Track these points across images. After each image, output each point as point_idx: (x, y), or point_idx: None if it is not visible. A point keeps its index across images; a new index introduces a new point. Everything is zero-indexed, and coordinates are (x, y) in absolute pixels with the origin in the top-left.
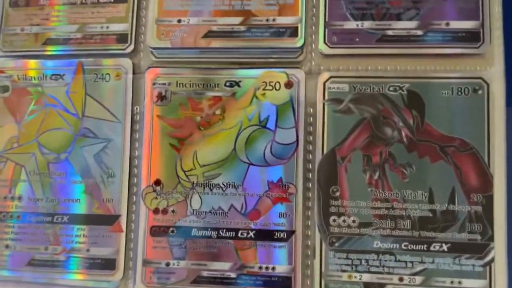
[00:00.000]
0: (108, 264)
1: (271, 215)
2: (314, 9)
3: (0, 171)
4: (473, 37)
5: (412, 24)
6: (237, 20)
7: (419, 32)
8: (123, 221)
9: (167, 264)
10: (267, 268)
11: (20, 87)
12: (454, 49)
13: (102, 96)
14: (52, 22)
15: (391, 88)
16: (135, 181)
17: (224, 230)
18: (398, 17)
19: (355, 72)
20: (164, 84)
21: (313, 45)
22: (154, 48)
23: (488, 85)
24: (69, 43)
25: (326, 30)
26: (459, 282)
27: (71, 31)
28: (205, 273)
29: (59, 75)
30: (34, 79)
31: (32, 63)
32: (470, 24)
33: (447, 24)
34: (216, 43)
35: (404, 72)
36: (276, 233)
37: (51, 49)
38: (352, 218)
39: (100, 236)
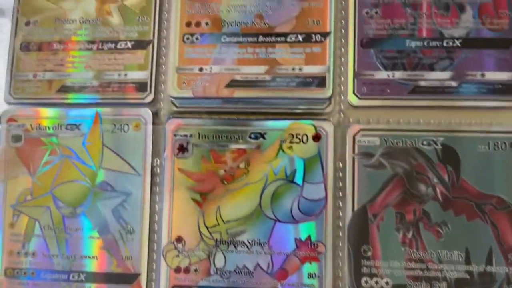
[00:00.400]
0: None
1: (300, 275)
2: (342, 58)
3: (12, 225)
4: (509, 89)
5: (446, 74)
6: (262, 69)
7: (453, 84)
8: (143, 280)
9: None
10: None
11: (33, 137)
12: (490, 101)
13: (121, 147)
14: (67, 68)
15: (424, 142)
16: (156, 237)
17: None
18: (431, 67)
19: (386, 124)
20: (185, 135)
21: (342, 96)
22: (175, 98)
23: None
24: (85, 91)
25: (356, 80)
26: None
27: (87, 78)
28: None
29: (75, 125)
30: (48, 128)
31: (46, 111)
32: (506, 75)
33: (483, 75)
34: (240, 92)
35: (437, 125)
36: None
37: (66, 97)
38: (385, 280)
39: None
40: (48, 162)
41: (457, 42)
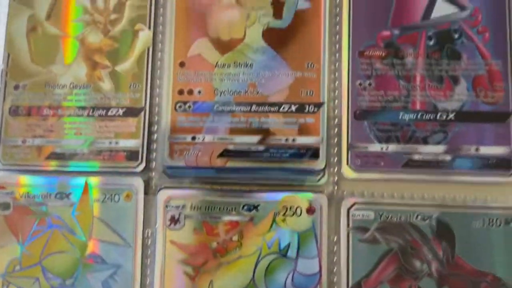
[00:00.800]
0: None
1: None
2: (336, 129)
3: None
4: (504, 164)
5: (440, 148)
6: (255, 139)
7: (447, 158)
8: None
9: None
10: None
11: (22, 205)
12: (485, 177)
13: (111, 218)
14: (57, 135)
15: (419, 217)
16: None
17: None
18: (425, 141)
19: (380, 198)
20: (177, 206)
21: (336, 168)
22: (167, 167)
23: None
24: (75, 158)
25: (349, 152)
26: None
27: (77, 146)
28: None
29: (64, 193)
30: (37, 197)
31: (35, 179)
32: (502, 150)
33: (477, 149)
34: (232, 163)
35: (432, 200)
36: None
37: (55, 165)
38: None
39: None
40: (37, 232)
41: (451, 115)
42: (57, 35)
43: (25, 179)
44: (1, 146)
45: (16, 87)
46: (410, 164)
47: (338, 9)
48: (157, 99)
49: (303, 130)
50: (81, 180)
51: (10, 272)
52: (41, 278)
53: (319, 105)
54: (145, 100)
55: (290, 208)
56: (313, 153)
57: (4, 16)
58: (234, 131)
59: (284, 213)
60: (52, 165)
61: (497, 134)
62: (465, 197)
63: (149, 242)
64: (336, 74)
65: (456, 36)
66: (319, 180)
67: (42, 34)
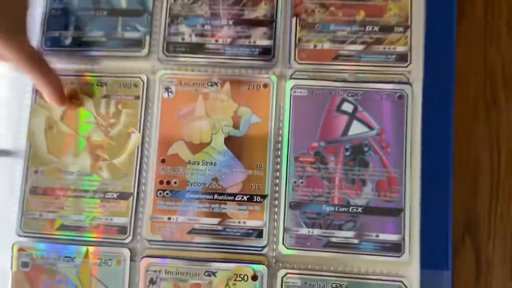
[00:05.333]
0: None
1: None
2: (276, 216)
3: None
4: (397, 248)
5: (350, 234)
6: (216, 220)
7: (356, 241)
8: None
9: None
10: None
11: (38, 264)
12: (382, 256)
13: (106, 278)
14: (65, 211)
15: (333, 285)
16: None
17: None
18: (340, 228)
19: (306, 270)
20: (155, 271)
21: (274, 246)
22: (148, 240)
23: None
24: (79, 230)
25: (285, 234)
26: None
27: (81, 220)
28: None
29: (70, 257)
30: (49, 259)
31: (48, 245)
32: (396, 237)
33: (377, 236)
34: (198, 238)
35: (344, 272)
36: None
37: (63, 234)
38: None
39: None
40: (49, 286)
41: (360, 209)
42: (68, 133)
43: (40, 244)
44: (23, 218)
45: (35, 172)
46: (329, 245)
47: (280, 124)
48: (143, 187)
49: (252, 215)
50: (83, 248)
51: None
52: None
53: (264, 197)
54: (134, 187)
55: (239, 275)
56: (259, 233)
57: (27, 115)
58: (200, 214)
59: (235, 279)
60: (61, 234)
61: (392, 225)
62: (367, 270)
63: None
64: (278, 173)
65: (366, 149)
66: (262, 253)
67: (56, 131)
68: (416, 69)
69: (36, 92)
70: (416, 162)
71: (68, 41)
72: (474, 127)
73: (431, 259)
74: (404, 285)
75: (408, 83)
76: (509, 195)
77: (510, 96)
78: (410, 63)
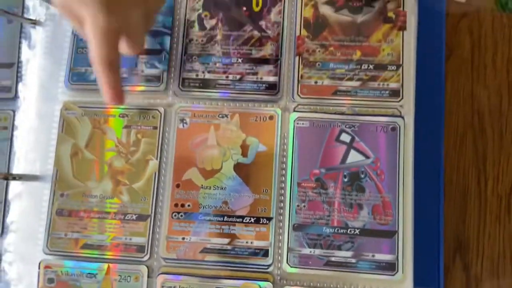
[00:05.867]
0: None
1: None
2: (280, 236)
3: None
4: (391, 267)
5: (348, 254)
6: (225, 241)
7: (353, 260)
8: None
9: None
10: None
11: (63, 280)
12: (378, 275)
13: None
14: (89, 231)
15: None
16: None
17: None
18: (339, 248)
19: (308, 287)
20: (170, 287)
21: (279, 264)
22: (164, 258)
23: None
24: (101, 249)
25: (288, 253)
26: None
27: (103, 240)
28: None
29: (92, 274)
30: (73, 275)
31: (72, 262)
32: (389, 257)
33: (373, 256)
34: (209, 257)
35: None
36: None
37: (87, 253)
38: None
39: None
40: None
41: (357, 231)
42: (92, 159)
43: (65, 262)
44: (50, 238)
45: (62, 195)
46: (329, 264)
47: (285, 153)
48: (159, 209)
49: (259, 236)
50: (104, 265)
51: None
52: None
53: (269, 219)
54: (151, 209)
55: None
56: (265, 253)
57: (54, 142)
58: (211, 234)
59: None
60: (85, 253)
61: (387, 246)
62: (364, 286)
63: None
64: (282, 197)
65: (362, 176)
66: (267, 271)
67: (81, 158)
68: (407, 104)
69: (63, 122)
70: (409, 187)
71: (92, 76)
72: (462, 154)
73: (424, 278)
74: None
75: (400, 116)
76: (496, 217)
77: (496, 125)
78: (402, 98)
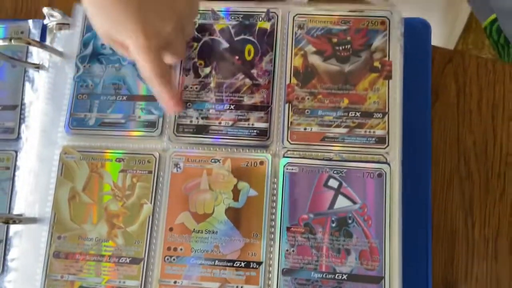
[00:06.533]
0: None
1: None
2: (270, 281)
3: None
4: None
5: None
6: (216, 285)
7: None
8: None
9: None
10: None
11: None
12: None
13: None
14: (84, 274)
15: None
16: None
17: None
18: None
19: None
20: None
21: None
22: None
23: None
24: None
25: None
26: None
27: (98, 283)
28: None
29: None
30: None
31: None
32: None
33: None
34: None
35: None
36: None
37: None
38: None
39: None
40: None
41: (345, 276)
42: (89, 202)
43: None
44: (47, 280)
45: (59, 238)
46: None
47: (274, 197)
48: (152, 252)
49: (248, 280)
50: None
51: None
52: None
53: (259, 263)
54: (145, 252)
55: None
56: None
57: (53, 186)
58: (202, 278)
59: None
60: None
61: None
62: None
63: None
64: (272, 242)
65: (350, 221)
66: None
67: (78, 201)
68: (393, 150)
69: (62, 166)
70: (395, 232)
71: (91, 122)
72: (450, 198)
73: None
74: None
75: (386, 162)
76: (483, 258)
77: (482, 169)
78: (388, 145)
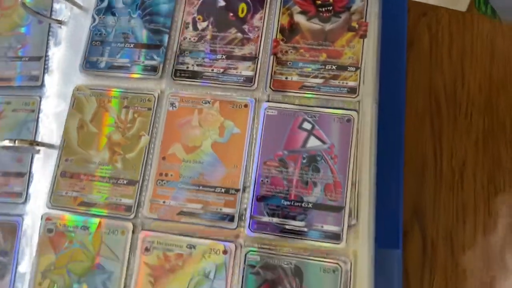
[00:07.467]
0: None
1: None
2: (245, 205)
3: (40, 284)
4: (336, 236)
5: (302, 224)
6: (199, 206)
7: (305, 229)
8: None
9: None
10: None
11: (60, 231)
12: (325, 243)
13: (112, 244)
14: (86, 191)
15: (285, 263)
16: None
17: None
18: (294, 218)
19: (264, 249)
20: (150, 241)
21: (242, 229)
22: (147, 218)
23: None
24: (95, 206)
25: (250, 220)
26: None
27: (98, 199)
28: None
29: (86, 227)
30: (70, 227)
31: (70, 216)
32: (335, 228)
33: (322, 226)
34: (184, 219)
35: (294, 253)
36: None
37: (82, 209)
38: None
39: None
40: (67, 248)
41: (310, 205)
42: (95, 132)
43: (64, 215)
44: (53, 195)
45: (66, 160)
46: (284, 231)
47: (255, 136)
48: (147, 176)
49: (227, 204)
50: (96, 220)
51: (47, 270)
52: (65, 276)
53: (237, 190)
54: (140, 176)
55: (213, 249)
56: (231, 218)
57: (64, 117)
58: (188, 200)
59: (209, 253)
60: (81, 209)
61: (334, 219)
62: (312, 253)
63: (132, 261)
64: (249, 173)
65: (319, 158)
66: (233, 234)
67: (86, 130)
68: (364, 99)
69: (74, 100)
70: (368, 170)
71: (102, 65)
72: (421, 134)
73: (385, 241)
74: (340, 266)
75: (355, 110)
76: (449, 187)
77: (451, 108)
78: (358, 95)
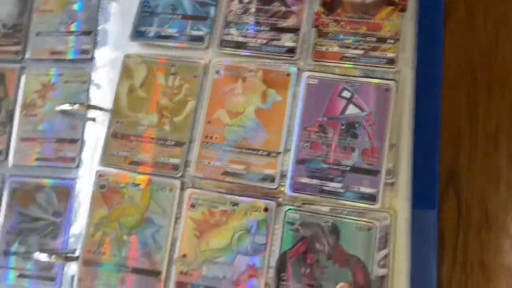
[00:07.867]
0: None
1: (247, 284)
2: (285, 167)
3: (93, 235)
4: (373, 198)
5: (339, 185)
6: (242, 167)
7: (342, 191)
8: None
9: None
10: None
11: (112, 187)
12: (361, 204)
13: (160, 200)
14: (135, 151)
15: (323, 221)
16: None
17: None
18: (331, 180)
19: (304, 208)
20: (196, 198)
21: (283, 188)
22: (193, 176)
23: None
24: (144, 165)
25: (291, 181)
26: None
27: (146, 158)
28: None
29: (137, 184)
30: (121, 183)
31: (121, 174)
32: (372, 190)
33: (359, 188)
34: (228, 178)
35: (332, 212)
36: None
37: (133, 168)
38: None
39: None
40: (119, 203)
41: (347, 168)
42: (144, 97)
43: (115, 172)
44: (106, 154)
45: (117, 122)
46: (323, 191)
47: (295, 103)
48: (193, 138)
49: (269, 165)
50: (145, 177)
51: (100, 223)
52: (117, 228)
53: (278, 153)
54: (187, 138)
55: (255, 207)
56: (272, 179)
57: (114, 84)
58: (232, 161)
59: (251, 209)
60: (131, 168)
61: (370, 181)
62: (348, 213)
63: (179, 216)
64: (290, 137)
65: (357, 125)
66: (274, 191)
67: (135, 95)
68: (403, 70)
69: (125, 67)
70: (407, 136)
71: (151, 34)
72: (456, 102)
73: (422, 202)
74: (375, 225)
75: (393, 79)
76: (484, 154)
77: (485, 78)
78: (396, 65)
